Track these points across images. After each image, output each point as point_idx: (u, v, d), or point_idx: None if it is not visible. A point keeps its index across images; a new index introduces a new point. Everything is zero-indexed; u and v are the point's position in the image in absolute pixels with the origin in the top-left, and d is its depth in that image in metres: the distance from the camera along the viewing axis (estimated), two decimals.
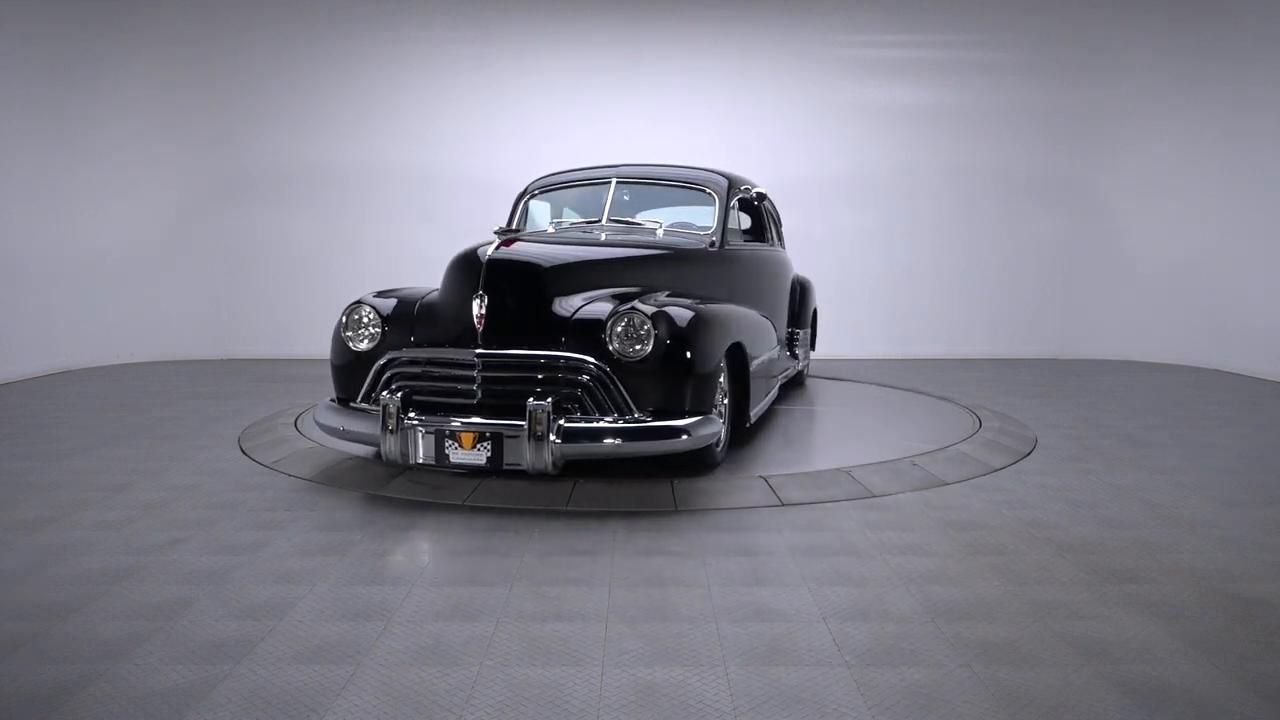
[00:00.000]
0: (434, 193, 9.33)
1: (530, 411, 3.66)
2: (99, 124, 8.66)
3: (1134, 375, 8.40)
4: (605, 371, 3.84)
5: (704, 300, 4.51)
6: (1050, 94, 9.50)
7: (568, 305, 4.04)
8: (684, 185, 5.56)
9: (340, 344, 4.32)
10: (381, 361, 4.10)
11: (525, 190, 6.07)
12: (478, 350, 3.90)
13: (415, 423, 3.82)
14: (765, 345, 5.16)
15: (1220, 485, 4.29)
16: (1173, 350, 9.25)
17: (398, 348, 4.12)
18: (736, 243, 5.51)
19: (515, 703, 2.15)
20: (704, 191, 5.45)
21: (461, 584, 2.93)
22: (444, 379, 3.97)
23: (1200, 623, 2.64)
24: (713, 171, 5.69)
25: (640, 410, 3.87)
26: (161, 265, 9.11)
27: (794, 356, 6.83)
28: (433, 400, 3.96)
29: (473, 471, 3.96)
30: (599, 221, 5.34)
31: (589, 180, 5.76)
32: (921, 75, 9.54)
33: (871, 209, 9.59)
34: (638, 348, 3.83)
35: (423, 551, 3.27)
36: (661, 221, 5.29)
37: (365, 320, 4.26)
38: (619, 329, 3.87)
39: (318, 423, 4.31)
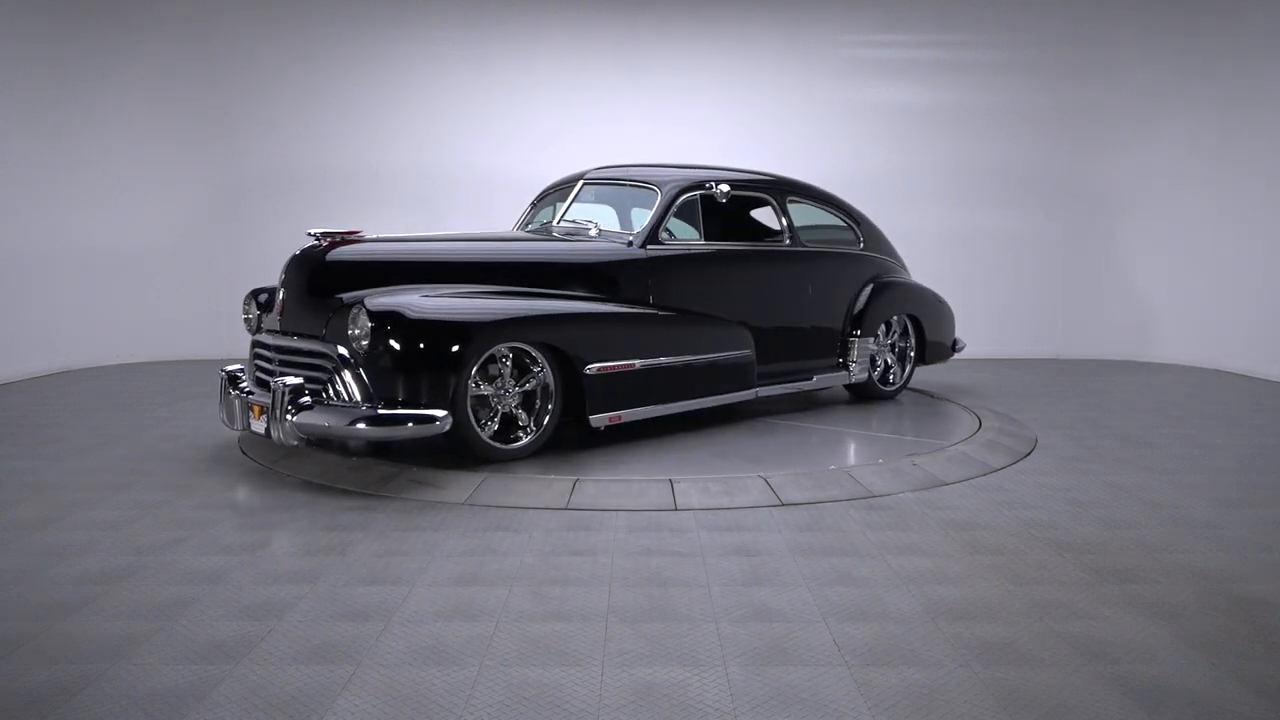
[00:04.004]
0: (434, 193, 9.32)
1: (272, 391, 4.08)
2: (100, 124, 8.65)
3: (1134, 375, 8.40)
4: (345, 360, 4.13)
5: (619, 301, 4.91)
6: (1050, 94, 9.49)
7: (338, 301, 4.33)
8: (638, 185, 5.58)
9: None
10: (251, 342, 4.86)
11: (537, 196, 6.27)
12: (267, 336, 4.63)
13: (234, 394, 4.51)
14: (639, 350, 4.87)
15: (1220, 485, 4.29)
16: (1173, 350, 9.24)
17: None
18: (690, 242, 5.44)
19: (515, 703, 2.15)
20: (652, 191, 5.46)
21: (461, 584, 2.93)
22: (263, 359, 4.66)
23: (1200, 623, 2.64)
24: (696, 167, 5.70)
25: (379, 399, 4.07)
26: (161, 265, 9.10)
27: (843, 366, 6.27)
28: (264, 377, 4.56)
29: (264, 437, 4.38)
30: (551, 223, 5.60)
31: (575, 184, 5.87)
32: (921, 75, 9.53)
33: (870, 209, 9.51)
34: (361, 341, 4.06)
35: (423, 551, 3.27)
36: (596, 222, 5.37)
37: (247, 307, 5.03)
38: (347, 322, 4.13)
39: None
